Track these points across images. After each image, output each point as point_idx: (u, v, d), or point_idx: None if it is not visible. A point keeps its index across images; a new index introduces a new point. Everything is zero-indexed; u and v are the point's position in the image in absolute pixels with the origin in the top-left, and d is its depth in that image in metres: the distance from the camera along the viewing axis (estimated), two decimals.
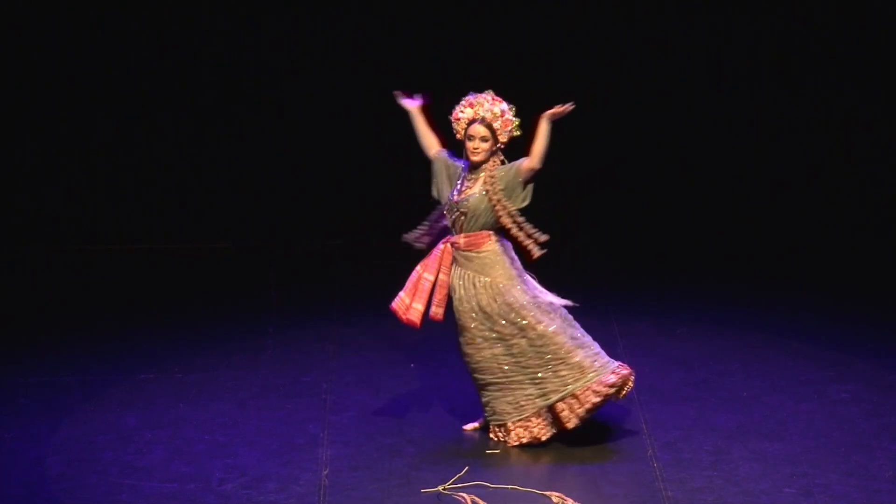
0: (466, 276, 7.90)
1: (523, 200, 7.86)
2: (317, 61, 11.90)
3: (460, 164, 7.96)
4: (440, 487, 7.39)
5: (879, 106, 11.87)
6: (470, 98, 7.88)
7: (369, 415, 8.36)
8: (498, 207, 7.82)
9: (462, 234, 7.91)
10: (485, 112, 7.82)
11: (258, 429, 8.19)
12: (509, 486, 7.41)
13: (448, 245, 7.94)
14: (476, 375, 7.95)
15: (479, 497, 7.29)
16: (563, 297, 8.06)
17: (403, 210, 11.67)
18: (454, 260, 7.94)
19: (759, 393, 8.66)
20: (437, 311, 7.94)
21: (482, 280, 7.87)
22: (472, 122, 7.84)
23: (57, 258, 11.65)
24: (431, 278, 7.93)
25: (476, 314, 7.88)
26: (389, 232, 11.86)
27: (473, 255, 7.89)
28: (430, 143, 8.05)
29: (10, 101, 11.73)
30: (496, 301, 7.84)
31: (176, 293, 10.93)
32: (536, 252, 7.85)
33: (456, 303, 7.93)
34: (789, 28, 11.85)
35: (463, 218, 7.87)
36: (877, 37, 11.78)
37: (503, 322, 7.83)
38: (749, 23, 11.85)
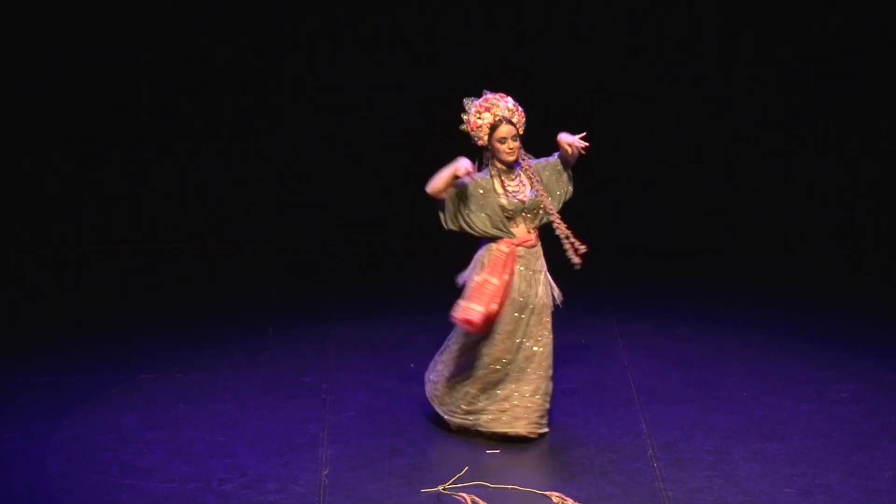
0: (527, 274, 7.95)
1: (566, 195, 8.00)
2: (317, 61, 11.89)
3: (478, 177, 7.93)
4: (440, 487, 7.39)
5: (880, 105, 11.86)
6: (480, 103, 7.87)
7: (369, 415, 8.37)
8: (546, 203, 7.91)
9: (533, 233, 7.94)
10: (503, 112, 7.85)
11: (258, 429, 8.19)
12: (509, 486, 7.41)
13: (514, 248, 7.91)
14: (482, 372, 7.97)
15: (479, 497, 7.30)
16: (564, 297, 8.08)
17: (404, 210, 11.70)
18: (520, 259, 7.94)
19: (759, 393, 8.67)
20: (501, 309, 7.90)
21: (539, 275, 7.97)
22: (495, 125, 7.84)
23: (57, 258, 11.64)
24: (497, 282, 7.89)
25: (523, 309, 7.93)
26: (389, 232, 11.92)
27: (537, 248, 7.98)
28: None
29: (10, 101, 11.72)
30: (548, 294, 7.99)
31: (176, 293, 10.93)
32: (576, 258, 7.90)
33: (516, 299, 7.94)
34: (789, 28, 11.85)
35: (530, 216, 7.91)
36: (878, 36, 11.78)
37: (543, 318, 7.97)
38: (749, 22, 11.85)
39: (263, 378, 8.98)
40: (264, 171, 12.01)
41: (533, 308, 7.94)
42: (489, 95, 7.89)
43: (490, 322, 7.85)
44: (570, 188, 8.04)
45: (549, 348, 8.02)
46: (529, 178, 7.92)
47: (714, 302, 10.47)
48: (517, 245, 7.91)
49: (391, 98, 11.88)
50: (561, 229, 7.89)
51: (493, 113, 7.83)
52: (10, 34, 11.60)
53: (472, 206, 7.88)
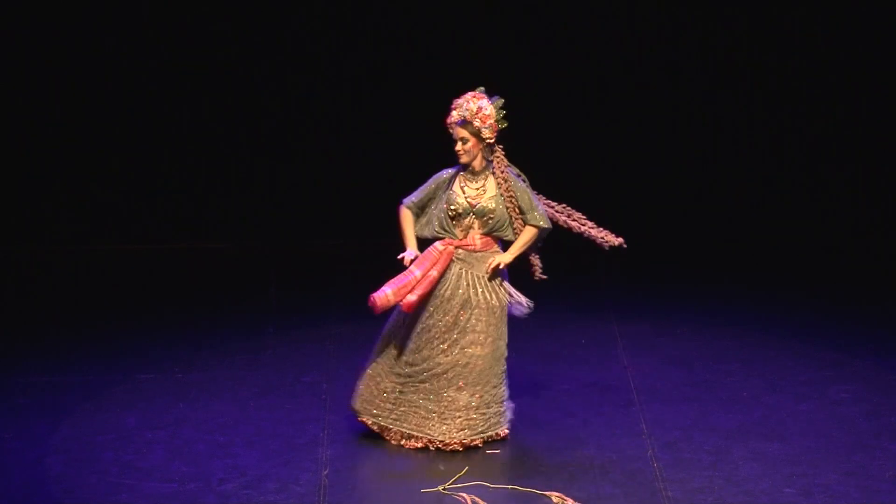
0: (465, 274, 7.89)
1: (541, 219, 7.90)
2: (316, 61, 11.90)
3: (449, 172, 7.95)
4: (440, 487, 7.40)
5: (880, 105, 11.87)
6: (456, 101, 7.84)
7: None
8: (516, 223, 7.90)
9: (479, 235, 7.88)
10: (463, 112, 7.79)
11: (258, 429, 8.19)
12: (509, 486, 7.41)
13: (450, 248, 7.90)
14: (410, 370, 7.94)
15: (479, 497, 7.30)
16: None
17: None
18: (459, 261, 7.91)
19: (759, 393, 8.67)
20: (412, 300, 7.78)
21: (480, 276, 7.89)
22: (453, 125, 7.82)
23: (57, 258, 11.65)
24: (419, 274, 7.86)
25: (456, 309, 7.88)
26: (389, 232, 11.92)
27: (484, 254, 7.90)
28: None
29: (10, 101, 11.73)
30: (492, 296, 7.86)
31: (176, 293, 10.93)
32: (538, 274, 7.96)
33: (437, 298, 7.89)
34: (788, 27, 11.86)
35: (477, 222, 7.87)
36: (877, 37, 11.79)
37: (497, 324, 7.87)
38: (748, 22, 11.86)
39: (263, 378, 8.98)
40: (264, 171, 12.01)
41: (472, 310, 7.87)
42: (469, 93, 7.84)
43: (387, 307, 7.80)
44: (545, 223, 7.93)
45: (494, 353, 7.91)
46: (499, 188, 7.87)
47: (714, 302, 10.47)
48: (456, 246, 7.89)
49: (391, 98, 11.88)
50: (584, 230, 7.97)
51: (456, 112, 7.80)
52: (10, 35, 11.61)
53: (432, 206, 7.94)
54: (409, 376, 7.88)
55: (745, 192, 12.02)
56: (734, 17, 11.84)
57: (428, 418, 7.88)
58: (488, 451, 7.86)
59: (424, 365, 7.87)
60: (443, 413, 7.87)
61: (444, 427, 7.86)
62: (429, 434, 7.86)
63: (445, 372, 7.86)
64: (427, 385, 7.88)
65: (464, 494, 7.32)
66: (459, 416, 7.86)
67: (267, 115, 11.95)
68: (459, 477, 7.49)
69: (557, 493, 7.28)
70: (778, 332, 9.77)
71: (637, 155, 12.00)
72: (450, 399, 7.87)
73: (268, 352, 9.49)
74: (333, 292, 10.81)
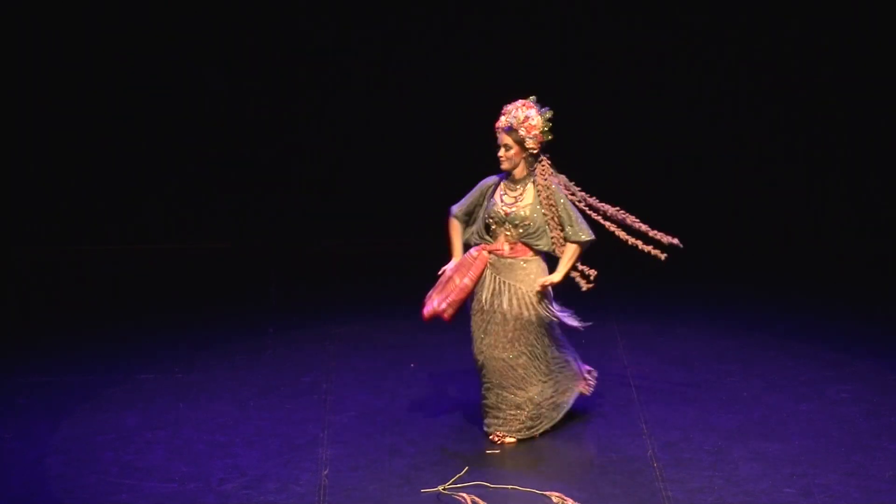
0: (499, 282, 7.90)
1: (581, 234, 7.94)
2: (318, 61, 11.90)
3: (493, 179, 7.96)
4: (440, 487, 7.40)
5: (878, 106, 11.87)
6: (506, 106, 7.84)
7: (369, 415, 8.37)
8: (554, 235, 7.91)
9: (508, 243, 7.88)
10: (510, 119, 7.79)
11: (258, 429, 8.19)
12: (509, 486, 7.42)
13: (484, 253, 7.90)
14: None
15: (479, 497, 7.30)
16: (563, 295, 8.06)
17: (404, 210, 11.71)
18: (490, 266, 7.92)
19: (759, 393, 8.67)
20: (450, 311, 7.88)
21: (517, 288, 7.88)
22: (500, 130, 7.83)
23: (57, 258, 11.64)
24: (458, 282, 7.86)
25: (485, 314, 7.89)
26: (389, 232, 11.92)
27: (517, 262, 7.90)
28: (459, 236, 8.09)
29: (10, 101, 11.72)
30: (528, 310, 7.86)
31: (176, 293, 10.93)
32: (584, 286, 7.97)
33: (480, 304, 7.91)
34: (787, 27, 11.86)
35: (510, 228, 7.86)
36: (875, 36, 11.79)
37: (521, 332, 7.88)
38: (747, 22, 11.86)
39: (263, 378, 8.99)
40: (264, 171, 12.01)
41: (495, 317, 7.90)
42: (518, 101, 7.87)
43: (435, 316, 7.86)
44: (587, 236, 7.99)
45: (520, 361, 7.95)
46: (538, 196, 7.87)
47: (714, 302, 10.47)
48: (489, 252, 7.89)
49: (392, 99, 11.88)
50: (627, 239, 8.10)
51: (504, 119, 7.81)
52: (10, 35, 11.61)
53: (479, 212, 7.93)
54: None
55: (745, 192, 12.01)
56: (739, 18, 11.83)
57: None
58: (488, 452, 7.86)
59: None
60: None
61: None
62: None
63: (487, 375, 8.01)
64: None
65: (464, 494, 7.32)
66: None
67: (268, 114, 11.95)
68: (459, 477, 7.49)
69: (557, 494, 7.29)
70: (778, 332, 9.76)
71: (637, 155, 11.99)
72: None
73: (268, 352, 9.49)
74: (333, 292, 10.81)
